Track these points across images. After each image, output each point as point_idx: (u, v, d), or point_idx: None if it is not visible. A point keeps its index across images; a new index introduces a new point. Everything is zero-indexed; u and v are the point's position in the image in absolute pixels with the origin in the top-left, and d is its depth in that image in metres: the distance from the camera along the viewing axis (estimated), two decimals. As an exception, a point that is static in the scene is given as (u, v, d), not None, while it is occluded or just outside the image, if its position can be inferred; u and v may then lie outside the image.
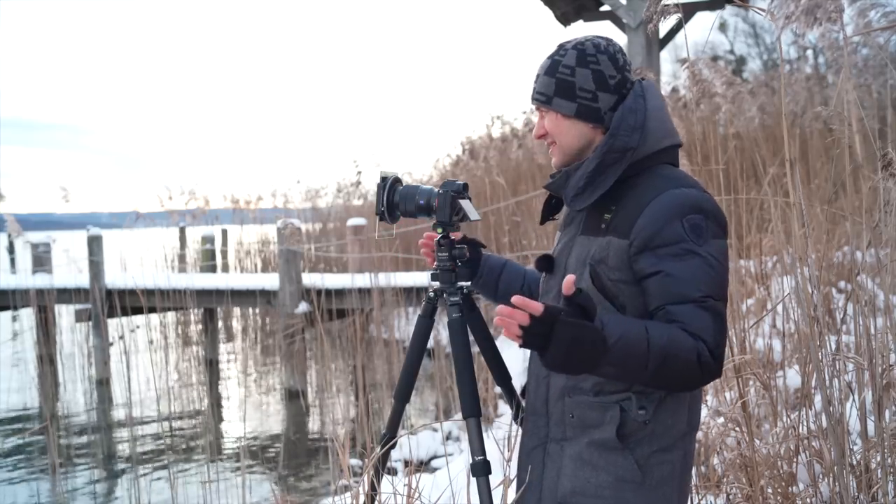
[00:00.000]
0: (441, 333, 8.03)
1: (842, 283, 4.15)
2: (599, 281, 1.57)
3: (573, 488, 1.59)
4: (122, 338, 9.75)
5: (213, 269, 13.44)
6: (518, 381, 1.87)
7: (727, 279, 1.54)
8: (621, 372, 1.44)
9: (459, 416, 1.93)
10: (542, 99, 1.64)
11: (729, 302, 3.14)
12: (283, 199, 16.79)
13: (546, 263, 1.71)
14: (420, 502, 2.32)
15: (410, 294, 8.42)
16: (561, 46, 1.65)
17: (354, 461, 5.38)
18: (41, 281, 10.80)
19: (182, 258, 15.03)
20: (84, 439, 7.61)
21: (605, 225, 1.58)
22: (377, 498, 2.06)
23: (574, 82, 1.60)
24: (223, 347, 12.21)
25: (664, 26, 8.00)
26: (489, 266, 1.97)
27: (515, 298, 1.35)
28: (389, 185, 1.97)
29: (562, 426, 1.63)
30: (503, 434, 4.03)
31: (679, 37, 9.08)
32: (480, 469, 1.82)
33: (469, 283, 1.98)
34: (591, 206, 1.61)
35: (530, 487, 1.67)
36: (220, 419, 8.40)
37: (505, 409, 5.73)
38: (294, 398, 8.61)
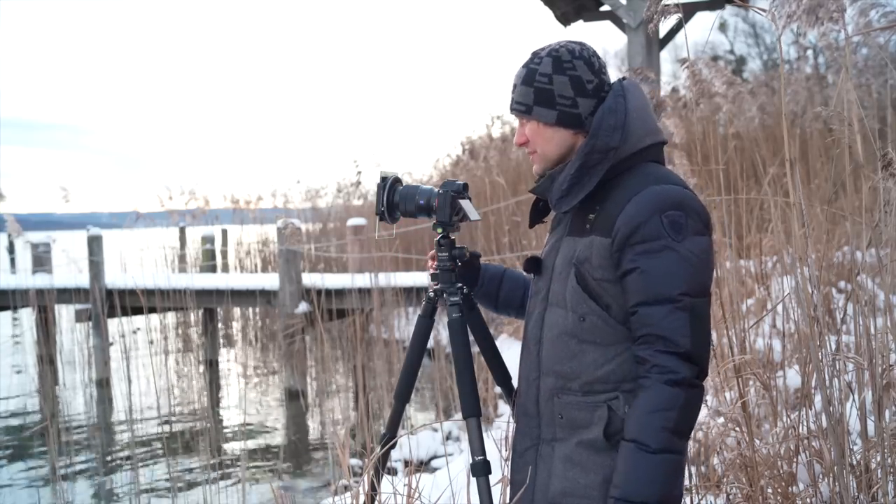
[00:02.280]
0: (441, 333, 8.03)
1: (842, 283, 4.15)
2: (584, 281, 1.58)
3: (563, 489, 1.60)
4: (122, 338, 9.75)
5: (213, 269, 13.42)
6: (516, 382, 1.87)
7: (709, 276, 1.55)
8: (678, 468, 1.48)
9: (459, 416, 1.93)
10: (522, 109, 1.65)
11: (729, 302, 3.16)
12: (283, 199, 16.78)
13: (534, 265, 1.72)
14: (420, 502, 2.32)
15: (410, 294, 8.41)
16: (535, 55, 1.65)
17: (354, 461, 5.38)
18: (41, 281, 10.80)
19: (182, 258, 15.01)
20: (84, 439, 7.61)
21: (589, 225, 1.60)
22: (377, 498, 2.05)
23: (552, 90, 1.61)
24: (223, 347, 12.20)
25: (664, 26, 8.00)
26: (489, 275, 1.97)
27: None
28: (389, 185, 1.97)
29: (552, 427, 1.64)
30: (503, 434, 4.03)
31: (679, 37, 9.09)
32: (480, 469, 1.82)
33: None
34: (577, 208, 1.63)
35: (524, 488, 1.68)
36: (220, 419, 8.39)
37: (505, 409, 5.73)
38: (294, 398, 8.60)
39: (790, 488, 2.40)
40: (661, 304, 1.48)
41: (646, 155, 1.62)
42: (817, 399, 2.52)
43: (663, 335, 1.47)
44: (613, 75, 1.69)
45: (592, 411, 1.57)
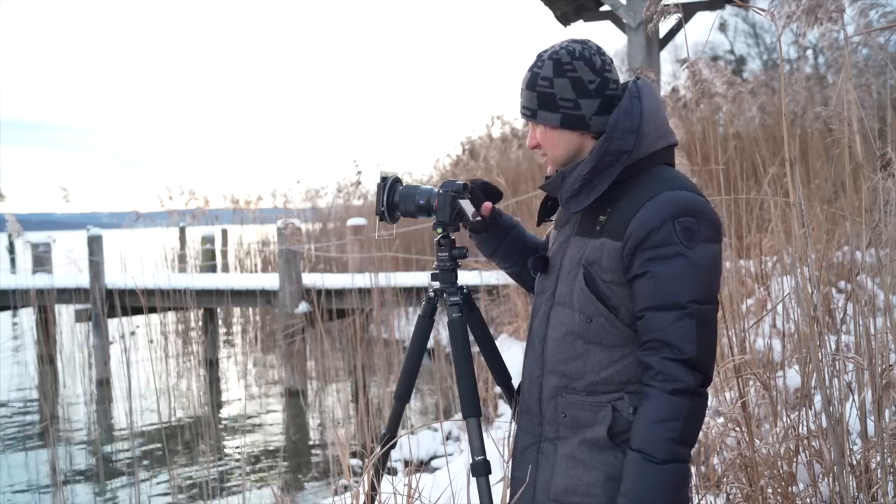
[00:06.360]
0: (441, 333, 8.03)
1: (842, 283, 4.15)
2: (593, 282, 1.58)
3: (566, 487, 1.61)
4: (122, 338, 9.74)
5: (213, 269, 13.43)
6: (518, 381, 1.87)
7: (717, 283, 1.54)
8: (684, 475, 1.49)
9: (459, 416, 1.93)
10: (528, 113, 1.66)
11: (729, 302, 3.16)
12: (283, 199, 16.81)
13: (541, 264, 1.72)
14: (420, 502, 2.32)
15: (410, 294, 8.42)
16: (539, 58, 1.65)
17: (354, 461, 5.38)
18: (41, 281, 10.80)
19: (182, 258, 15.01)
20: (84, 439, 7.61)
21: (599, 227, 1.59)
22: (377, 498, 2.06)
23: (554, 93, 1.61)
24: (223, 347, 12.21)
25: (664, 26, 8.00)
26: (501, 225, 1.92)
27: None
28: (389, 186, 1.97)
29: (555, 425, 1.64)
30: (503, 434, 4.03)
31: (679, 37, 9.08)
32: (480, 469, 1.82)
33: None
34: (587, 208, 1.62)
35: (525, 486, 1.68)
36: (220, 419, 8.39)
37: (505, 409, 5.73)
38: (294, 398, 8.61)
39: (790, 488, 2.40)
40: (670, 310, 1.48)
41: (659, 158, 1.61)
42: (817, 399, 2.52)
43: (669, 341, 1.47)
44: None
45: (596, 411, 1.58)
